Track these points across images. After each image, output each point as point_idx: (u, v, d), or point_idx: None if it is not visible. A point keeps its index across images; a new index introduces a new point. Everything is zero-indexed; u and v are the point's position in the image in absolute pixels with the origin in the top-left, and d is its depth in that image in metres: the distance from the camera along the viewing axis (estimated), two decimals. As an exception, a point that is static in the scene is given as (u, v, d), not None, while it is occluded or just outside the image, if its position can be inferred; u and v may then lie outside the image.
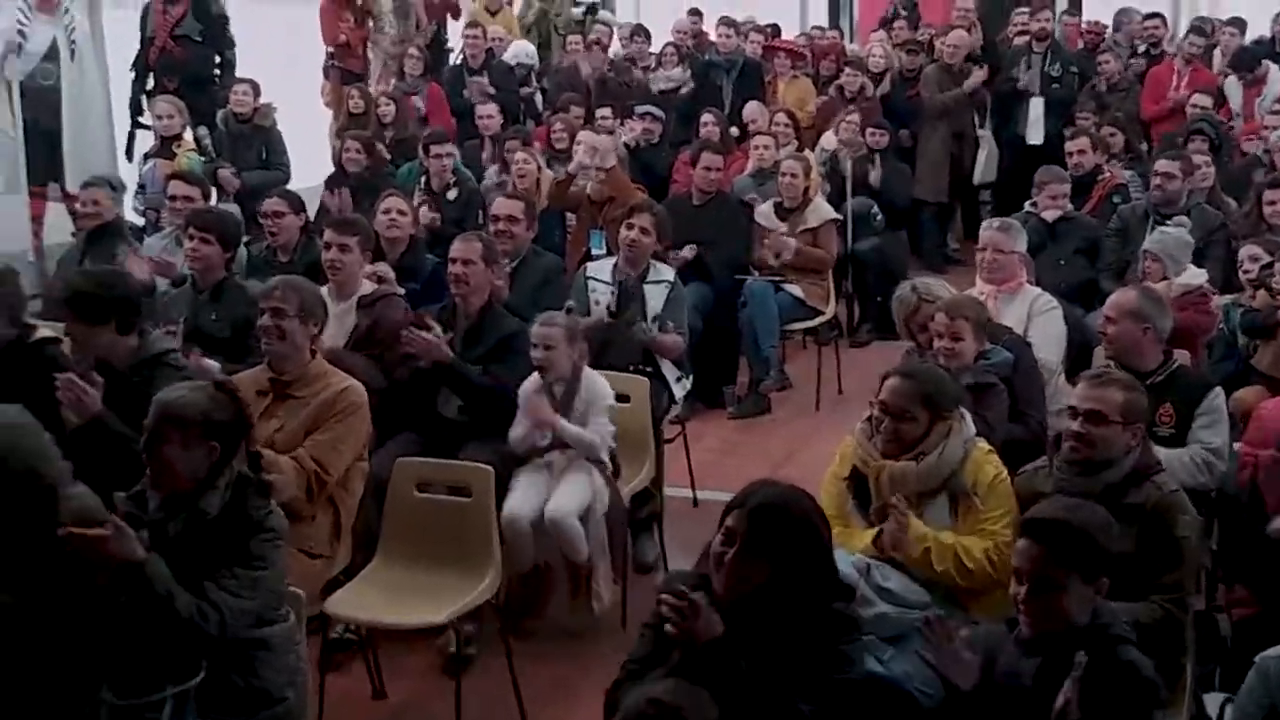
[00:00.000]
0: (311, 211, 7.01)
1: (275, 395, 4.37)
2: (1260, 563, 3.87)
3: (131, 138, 9.31)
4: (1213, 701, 3.66)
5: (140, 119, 9.25)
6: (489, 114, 9.39)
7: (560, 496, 4.70)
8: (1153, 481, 3.64)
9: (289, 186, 7.70)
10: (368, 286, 5.42)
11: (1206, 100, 9.07)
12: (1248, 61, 9.75)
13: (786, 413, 7.27)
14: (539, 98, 10.83)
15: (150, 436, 3.30)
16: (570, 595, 4.89)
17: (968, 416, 3.95)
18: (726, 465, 6.38)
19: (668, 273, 6.06)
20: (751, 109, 9.63)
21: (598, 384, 4.92)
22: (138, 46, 9.30)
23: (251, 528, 3.32)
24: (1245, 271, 5.69)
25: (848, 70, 10.25)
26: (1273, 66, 9.73)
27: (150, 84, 9.27)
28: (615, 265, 6.06)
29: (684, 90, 10.57)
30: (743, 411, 7.22)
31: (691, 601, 2.86)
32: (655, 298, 5.92)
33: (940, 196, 9.90)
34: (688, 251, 6.93)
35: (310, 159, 9.43)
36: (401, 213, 6.27)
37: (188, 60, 9.18)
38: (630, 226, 6.00)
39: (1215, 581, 4.43)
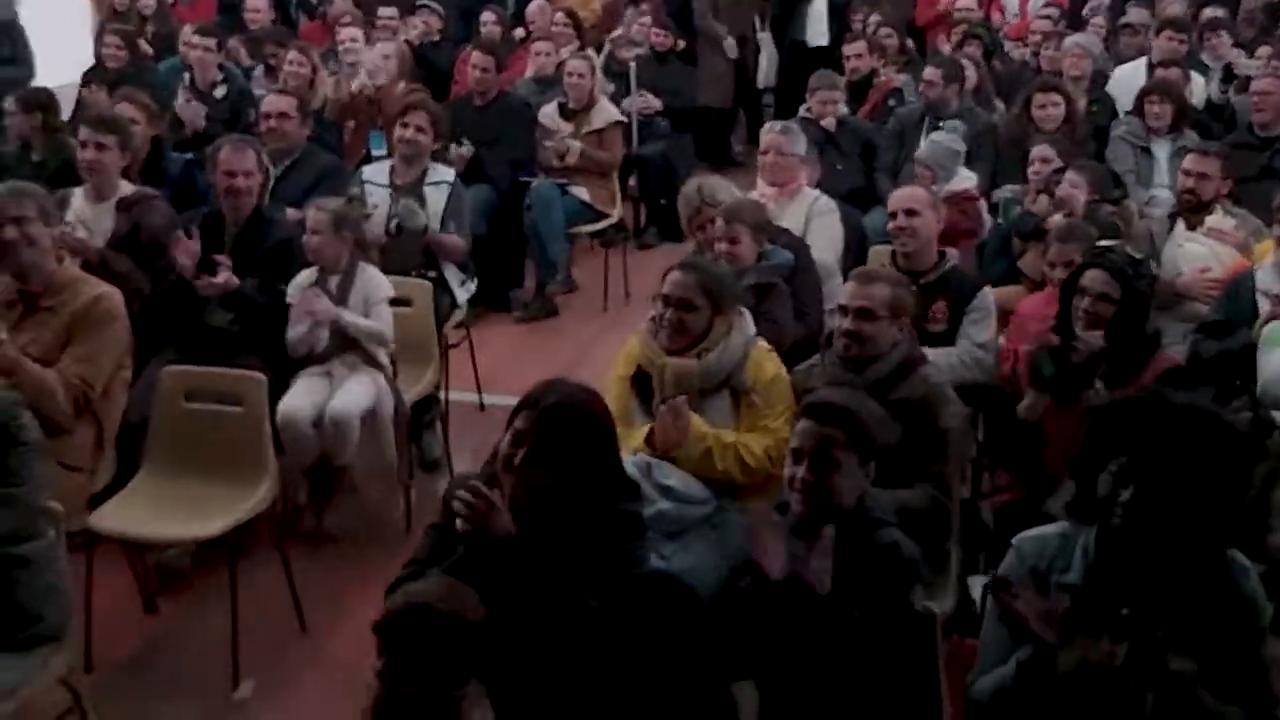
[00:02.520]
0: (67, 110, 6.57)
1: (25, 308, 4.12)
2: (1019, 450, 4.04)
3: None
4: (976, 584, 3.83)
5: None
6: (256, 7, 8.96)
7: (342, 396, 4.61)
8: (918, 374, 3.76)
9: (37, 83, 7.23)
10: (126, 188, 5.17)
11: (972, 4, 9.30)
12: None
13: (574, 316, 7.25)
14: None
15: None
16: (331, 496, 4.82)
17: (747, 315, 3.99)
18: (513, 369, 6.31)
19: (447, 173, 5.91)
20: (533, 9, 9.45)
21: (375, 278, 4.81)
22: None
23: (11, 441, 3.13)
24: (1035, 172, 5.82)
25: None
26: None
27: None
28: (392, 167, 5.88)
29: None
30: (529, 314, 7.17)
31: (486, 498, 2.82)
32: (436, 199, 5.78)
33: (726, 102, 9.93)
34: (465, 150, 6.78)
35: (63, 55, 8.86)
36: (133, 120, 5.78)
37: None
38: (405, 125, 5.82)
39: (981, 470, 4.61)
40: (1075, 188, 5.42)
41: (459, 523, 2.85)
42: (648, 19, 8.90)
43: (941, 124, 6.76)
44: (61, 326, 4.08)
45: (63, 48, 8.98)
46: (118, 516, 4.00)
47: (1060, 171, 5.63)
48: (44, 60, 8.58)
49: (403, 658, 2.50)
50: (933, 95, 6.99)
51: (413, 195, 5.73)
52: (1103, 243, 4.61)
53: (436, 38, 9.12)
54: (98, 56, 7.98)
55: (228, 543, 4.03)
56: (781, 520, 3.05)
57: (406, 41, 8.71)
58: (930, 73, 7.08)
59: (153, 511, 4.04)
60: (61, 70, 8.42)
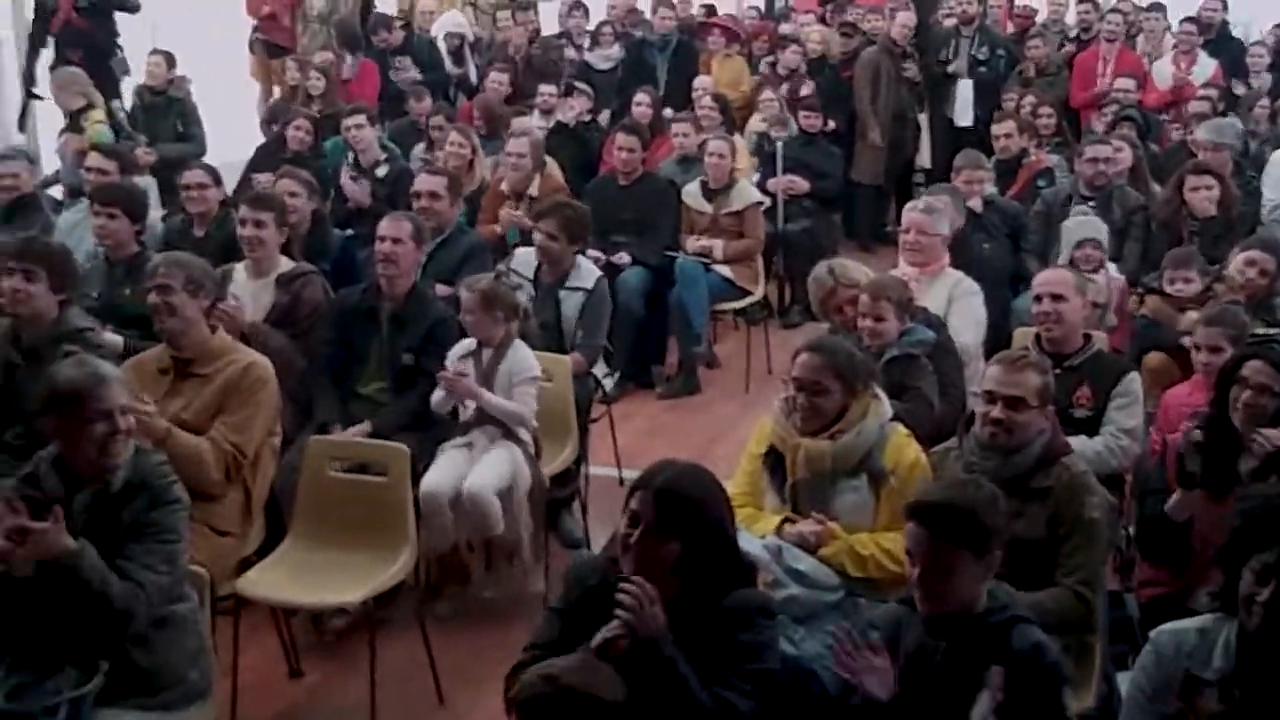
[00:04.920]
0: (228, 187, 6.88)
1: (177, 374, 4.30)
2: (1166, 543, 3.92)
3: (25, 110, 9.14)
4: (1125, 680, 3.70)
5: (34, 90, 9.08)
6: (421, 99, 9.28)
7: (480, 472, 4.67)
8: (1061, 463, 3.67)
9: (208, 160, 7.57)
10: (286, 264, 5.35)
11: (1130, 84, 9.16)
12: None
13: (715, 393, 7.27)
14: (473, 73, 10.73)
15: (46, 412, 3.25)
16: (487, 567, 4.85)
17: (884, 398, 3.96)
18: (654, 445, 6.36)
19: (589, 278, 5.86)
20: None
21: (524, 356, 4.88)
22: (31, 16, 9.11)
23: (157, 500, 3.27)
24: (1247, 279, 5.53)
25: (792, 48, 10.26)
26: (1202, 53, 9.86)
27: (51, 56, 9.09)
28: (539, 265, 5.93)
29: (617, 69, 10.51)
30: (671, 391, 7.21)
31: (647, 591, 2.82)
32: (570, 305, 5.79)
33: (878, 180, 9.94)
34: (616, 257, 6.91)
35: (225, 133, 9.28)
36: (293, 194, 6.03)
37: (92, 31, 9.01)
38: (539, 232, 5.86)
39: (1129, 563, 4.48)
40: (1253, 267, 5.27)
41: (619, 612, 2.84)
42: (769, 94, 8.97)
43: (1087, 204, 6.66)
44: (214, 394, 4.23)
45: (231, 126, 9.39)
46: (264, 582, 4.11)
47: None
48: (212, 138, 8.99)
49: None
50: (1096, 172, 6.83)
51: (550, 297, 5.78)
52: (1264, 331, 4.49)
53: (588, 118, 9.31)
54: (277, 138, 8.28)
55: (368, 611, 4.12)
56: (877, 641, 2.97)
57: (559, 122, 8.92)
58: (1095, 149, 6.93)
59: (297, 578, 4.15)
60: (229, 148, 8.82)
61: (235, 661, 4.08)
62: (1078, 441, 4.22)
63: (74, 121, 8.17)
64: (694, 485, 2.97)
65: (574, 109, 9.20)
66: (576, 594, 3.04)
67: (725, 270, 7.38)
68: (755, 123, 9.13)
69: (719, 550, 2.96)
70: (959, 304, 5.54)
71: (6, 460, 4.13)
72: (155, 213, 6.72)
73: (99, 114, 8.26)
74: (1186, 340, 4.89)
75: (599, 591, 2.94)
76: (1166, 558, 3.98)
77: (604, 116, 9.57)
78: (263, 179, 7.23)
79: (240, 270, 5.32)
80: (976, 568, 2.92)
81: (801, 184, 8.52)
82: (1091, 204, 6.72)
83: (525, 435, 4.85)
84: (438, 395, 4.78)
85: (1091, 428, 4.57)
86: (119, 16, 9.28)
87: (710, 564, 2.93)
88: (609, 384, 5.95)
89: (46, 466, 3.29)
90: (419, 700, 4.27)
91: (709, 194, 7.54)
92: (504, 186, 7.31)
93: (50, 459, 3.30)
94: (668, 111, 9.34)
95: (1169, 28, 10.48)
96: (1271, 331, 4.51)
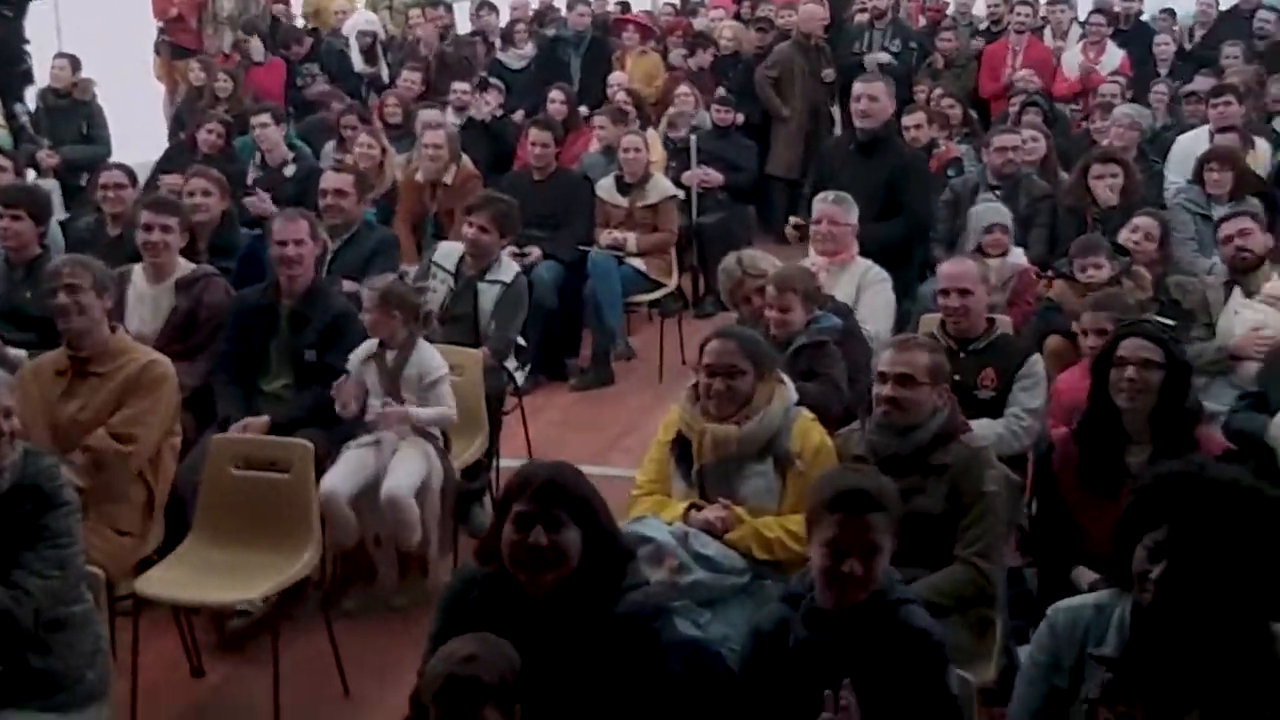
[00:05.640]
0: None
1: (75, 373, 4.25)
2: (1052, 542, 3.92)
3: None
4: (1023, 654, 3.73)
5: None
6: (333, 107, 9.17)
7: (396, 474, 4.61)
8: (960, 440, 3.70)
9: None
10: (185, 267, 5.27)
11: (1035, 79, 9.30)
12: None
13: (629, 385, 7.27)
14: (385, 72, 10.64)
15: None
16: (400, 574, 4.81)
17: (789, 383, 3.99)
18: (566, 436, 6.37)
19: (508, 273, 5.86)
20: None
21: (430, 356, 4.84)
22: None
23: (47, 503, 3.20)
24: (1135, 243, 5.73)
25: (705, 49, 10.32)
26: (1110, 43, 10.03)
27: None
28: (462, 255, 5.90)
29: (530, 66, 10.48)
30: (585, 383, 7.21)
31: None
32: (488, 298, 5.78)
33: (793, 172, 9.98)
34: (533, 255, 6.92)
35: (129, 134, 9.19)
36: (206, 192, 6.01)
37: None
38: (470, 225, 5.85)
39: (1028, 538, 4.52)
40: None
41: None
42: (684, 89, 9.04)
43: (994, 193, 6.74)
44: (112, 392, 4.18)
45: (136, 127, 9.27)
46: (164, 581, 4.05)
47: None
48: (117, 139, 8.88)
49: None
50: (1003, 160, 6.90)
51: (469, 289, 5.77)
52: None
53: (499, 112, 9.28)
54: (185, 139, 8.16)
55: (271, 608, 4.07)
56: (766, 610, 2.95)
57: (471, 118, 8.87)
58: (1004, 139, 7.00)
59: (198, 576, 4.09)
60: (134, 149, 8.68)
61: (135, 662, 4.00)
62: (980, 424, 4.28)
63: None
64: (571, 476, 2.92)
65: (488, 104, 9.17)
66: (455, 612, 2.93)
67: (639, 263, 7.39)
68: (672, 119, 9.14)
69: (606, 535, 2.92)
70: (868, 292, 5.61)
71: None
72: (58, 216, 6.60)
73: (-2, 118, 8.13)
74: (1074, 325, 4.96)
75: (479, 603, 2.86)
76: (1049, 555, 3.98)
77: (518, 115, 9.54)
78: (170, 181, 7.12)
79: (138, 273, 5.23)
80: (889, 549, 2.89)
81: (716, 176, 8.55)
82: (998, 192, 6.80)
83: (435, 430, 4.82)
84: (342, 405, 4.67)
85: (996, 409, 4.63)
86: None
87: (600, 551, 2.88)
88: (520, 377, 5.92)
89: None
90: (324, 695, 4.22)
91: (624, 188, 7.55)
92: (419, 176, 7.28)
93: None
94: (583, 109, 9.34)
95: (1075, 18, 10.64)
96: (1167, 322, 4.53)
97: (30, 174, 7.55)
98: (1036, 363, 4.74)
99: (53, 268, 4.38)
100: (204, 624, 4.46)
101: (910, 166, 6.77)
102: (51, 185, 7.26)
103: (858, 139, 6.78)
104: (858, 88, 6.80)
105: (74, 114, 8.77)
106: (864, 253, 5.82)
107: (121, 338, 4.33)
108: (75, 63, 8.86)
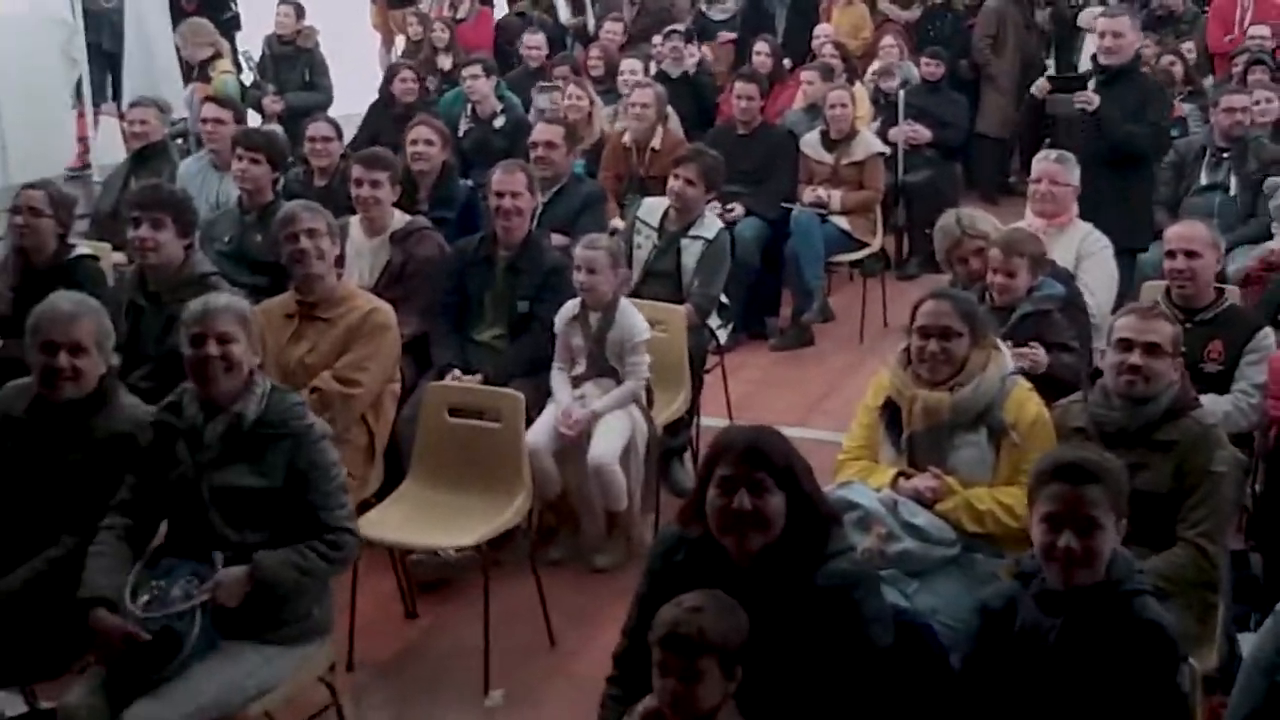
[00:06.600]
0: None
1: (302, 317, 4.40)
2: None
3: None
4: (1247, 642, 3.59)
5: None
6: (535, 44, 9.29)
7: (600, 440, 4.66)
8: (1190, 416, 3.56)
9: (333, 112, 7.67)
10: (400, 219, 5.37)
11: (1265, 31, 8.78)
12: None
13: (829, 345, 7.20)
14: (590, 24, 10.69)
15: (194, 341, 3.33)
16: (607, 534, 4.86)
17: (1005, 350, 3.87)
18: (766, 396, 6.35)
19: (711, 229, 5.81)
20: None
21: (633, 319, 4.85)
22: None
23: (305, 440, 3.32)
24: None
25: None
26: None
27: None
28: (666, 210, 5.90)
29: (735, 19, 10.39)
30: (784, 343, 7.16)
31: None
32: (690, 254, 5.76)
33: (1004, 131, 9.70)
34: (736, 211, 6.87)
35: (348, 85, 9.38)
36: (429, 142, 6.13)
37: None
38: (676, 178, 5.83)
39: (1255, 522, 4.34)
40: None
41: None
42: (889, 40, 8.83)
43: (1224, 155, 6.41)
44: (337, 337, 4.33)
45: (353, 77, 9.50)
46: (383, 523, 4.17)
47: None
48: (336, 89, 9.11)
49: (683, 669, 2.55)
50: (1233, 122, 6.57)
51: (672, 245, 5.77)
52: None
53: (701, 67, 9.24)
54: (389, 91, 8.34)
55: (483, 554, 4.18)
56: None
57: (662, 71, 8.84)
58: (1231, 99, 6.64)
59: (416, 520, 4.22)
60: (352, 99, 8.93)
61: (354, 601, 4.16)
62: (1207, 399, 4.09)
63: (202, 71, 8.32)
64: (774, 440, 2.90)
65: (692, 57, 9.12)
66: (662, 575, 2.94)
67: (842, 222, 7.29)
68: (879, 72, 8.96)
69: (809, 500, 2.89)
70: (1089, 261, 5.36)
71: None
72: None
73: (225, 63, 8.42)
74: None
75: (685, 567, 2.87)
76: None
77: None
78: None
79: (355, 226, 5.35)
80: (1115, 534, 2.78)
81: (924, 133, 8.37)
82: (1225, 155, 6.48)
83: (640, 396, 4.85)
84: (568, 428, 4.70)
85: (1223, 383, 4.44)
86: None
87: (804, 516, 2.86)
88: (723, 335, 5.91)
89: (189, 397, 3.38)
90: (531, 644, 4.32)
91: (829, 144, 7.45)
92: (626, 139, 7.27)
93: (192, 390, 3.38)
94: (787, 61, 9.23)
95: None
96: None
97: (254, 118, 7.80)
98: (1267, 336, 4.51)
99: (288, 213, 4.53)
100: (417, 566, 4.58)
101: (1154, 94, 6.65)
102: (275, 130, 7.47)
103: (1100, 74, 6.59)
104: (1102, 23, 6.66)
105: (297, 61, 8.97)
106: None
107: (346, 284, 4.49)
108: (299, 10, 9.07)
